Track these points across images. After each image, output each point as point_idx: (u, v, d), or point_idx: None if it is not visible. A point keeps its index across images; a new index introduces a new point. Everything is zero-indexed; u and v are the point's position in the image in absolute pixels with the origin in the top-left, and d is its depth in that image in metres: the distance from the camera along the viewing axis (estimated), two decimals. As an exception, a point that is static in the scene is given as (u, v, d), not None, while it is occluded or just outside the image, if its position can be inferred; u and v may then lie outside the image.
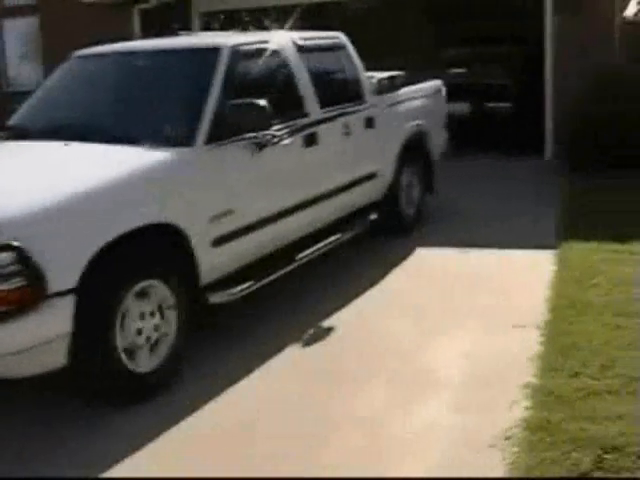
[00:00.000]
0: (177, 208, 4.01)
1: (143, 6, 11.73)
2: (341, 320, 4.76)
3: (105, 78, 5.07)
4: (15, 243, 3.26)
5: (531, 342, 4.21)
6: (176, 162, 4.11)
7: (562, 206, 7.27)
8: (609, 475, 2.93)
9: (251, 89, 4.63)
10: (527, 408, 3.46)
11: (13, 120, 4.95)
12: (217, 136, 4.30)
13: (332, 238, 5.46)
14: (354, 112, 5.76)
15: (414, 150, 6.73)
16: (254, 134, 4.47)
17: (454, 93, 11.39)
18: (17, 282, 3.27)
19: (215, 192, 4.28)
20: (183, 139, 4.22)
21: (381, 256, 6.11)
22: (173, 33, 5.35)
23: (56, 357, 3.48)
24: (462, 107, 11.38)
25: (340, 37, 6.03)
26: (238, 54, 4.70)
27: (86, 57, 5.33)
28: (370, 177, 6.00)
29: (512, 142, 10.58)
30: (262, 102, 4.35)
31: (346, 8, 12.74)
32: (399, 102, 6.50)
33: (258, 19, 14.50)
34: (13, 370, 3.43)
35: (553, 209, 7.17)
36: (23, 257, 3.26)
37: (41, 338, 3.38)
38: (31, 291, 3.31)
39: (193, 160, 4.19)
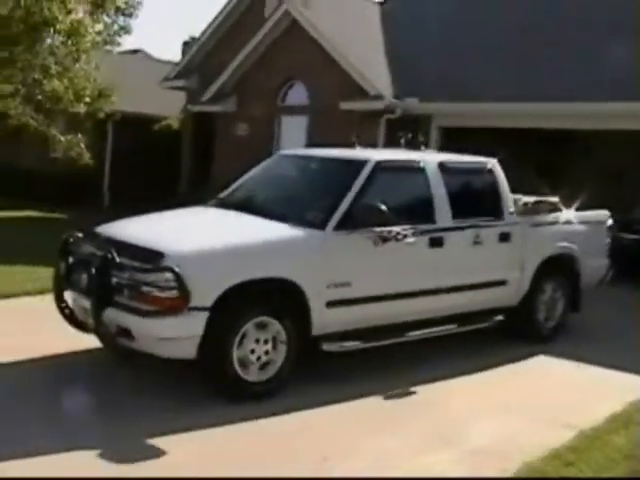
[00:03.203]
0: (301, 272, 5.45)
1: (390, 116, 13.71)
2: (425, 390, 5.79)
3: (286, 172, 6.81)
4: (176, 268, 4.93)
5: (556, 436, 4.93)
6: (308, 239, 5.60)
7: None
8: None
9: (385, 195, 5.96)
10: None
11: (221, 194, 6.81)
12: (345, 225, 5.71)
13: (447, 327, 6.50)
14: (488, 226, 6.81)
15: (558, 270, 7.48)
16: (378, 229, 5.80)
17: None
18: (171, 293, 4.95)
19: (335, 266, 5.65)
20: (318, 223, 5.69)
21: (503, 351, 6.97)
22: (351, 146, 6.90)
23: (189, 349, 5.08)
24: None
25: (490, 163, 7.10)
26: (380, 167, 6.10)
27: (284, 156, 7.13)
28: (500, 283, 6.93)
29: None
30: (382, 206, 5.69)
31: (575, 138, 13.61)
32: (544, 224, 7.34)
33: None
34: (159, 351, 5.12)
35: None
36: (179, 278, 4.91)
37: (180, 333, 5.02)
38: (179, 301, 4.94)
39: (321, 240, 5.63)
